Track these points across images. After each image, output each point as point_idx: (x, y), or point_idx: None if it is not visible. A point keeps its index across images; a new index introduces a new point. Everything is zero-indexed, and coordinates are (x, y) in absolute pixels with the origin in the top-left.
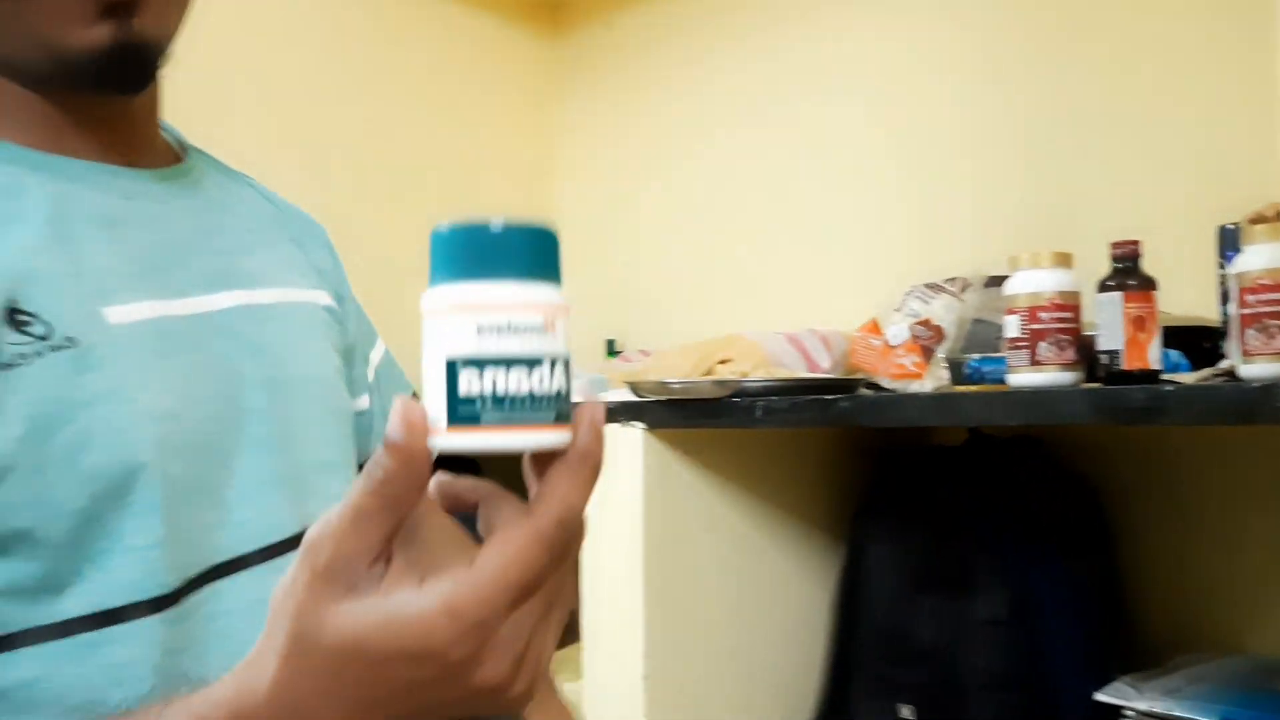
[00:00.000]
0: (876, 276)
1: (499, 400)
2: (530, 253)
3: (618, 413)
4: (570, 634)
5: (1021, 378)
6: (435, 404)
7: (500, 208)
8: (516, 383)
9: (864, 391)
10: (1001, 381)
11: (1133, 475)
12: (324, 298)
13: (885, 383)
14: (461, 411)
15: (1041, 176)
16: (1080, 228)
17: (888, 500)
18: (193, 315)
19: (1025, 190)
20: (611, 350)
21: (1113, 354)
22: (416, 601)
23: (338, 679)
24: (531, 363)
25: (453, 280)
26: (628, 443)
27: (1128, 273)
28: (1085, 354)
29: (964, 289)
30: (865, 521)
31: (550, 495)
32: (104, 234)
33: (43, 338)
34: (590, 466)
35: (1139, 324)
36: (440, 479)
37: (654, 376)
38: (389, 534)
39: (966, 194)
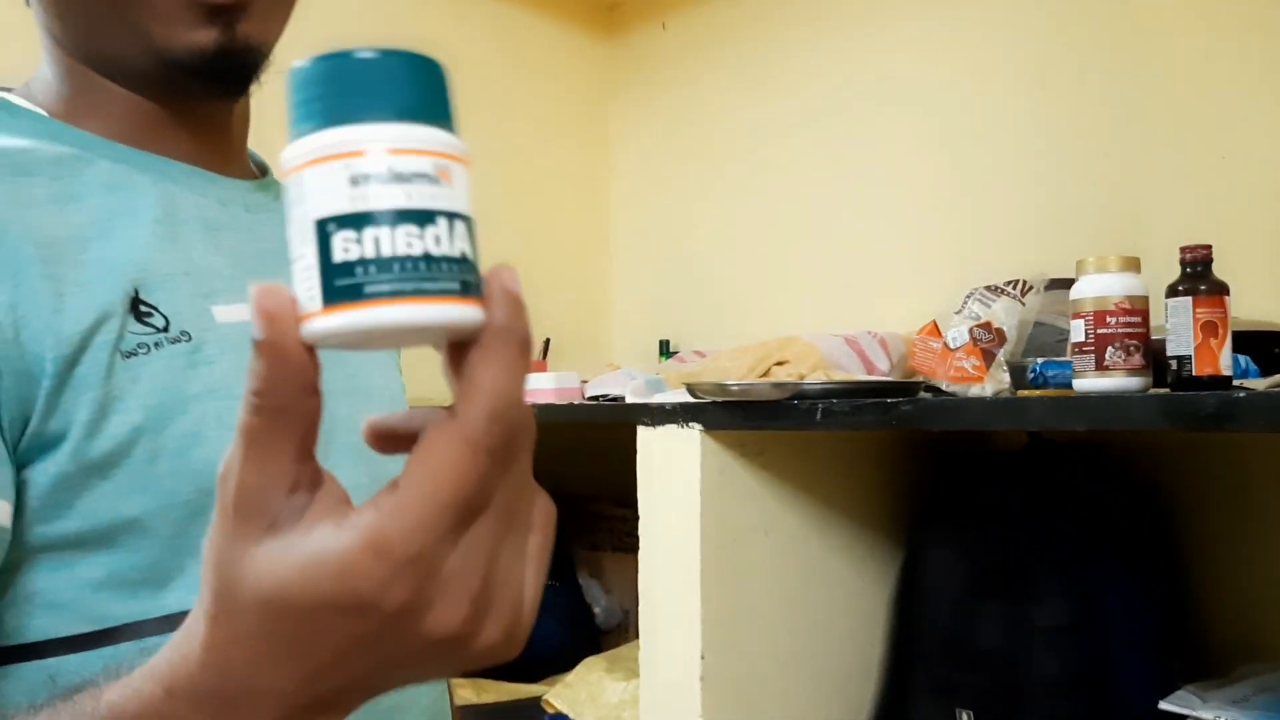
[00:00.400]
0: (935, 279)
1: (385, 265)
2: (411, 86)
3: (675, 414)
4: (626, 633)
5: (1087, 383)
6: (307, 282)
7: (555, 209)
8: (406, 242)
9: (924, 394)
10: (1066, 386)
11: (1197, 481)
12: None
13: (945, 386)
14: (339, 284)
15: (1108, 178)
16: (1148, 231)
17: (947, 504)
18: None
19: (1090, 192)
20: (665, 351)
21: (1182, 360)
22: (336, 538)
23: (269, 639)
24: (423, 217)
25: (317, 126)
26: (685, 444)
27: (1198, 277)
28: (1153, 359)
29: (1026, 292)
30: (925, 525)
31: (473, 388)
32: (206, 236)
33: (162, 330)
34: (515, 343)
35: (1210, 329)
36: (368, 419)
37: (711, 378)
38: (292, 453)
39: (1028, 196)
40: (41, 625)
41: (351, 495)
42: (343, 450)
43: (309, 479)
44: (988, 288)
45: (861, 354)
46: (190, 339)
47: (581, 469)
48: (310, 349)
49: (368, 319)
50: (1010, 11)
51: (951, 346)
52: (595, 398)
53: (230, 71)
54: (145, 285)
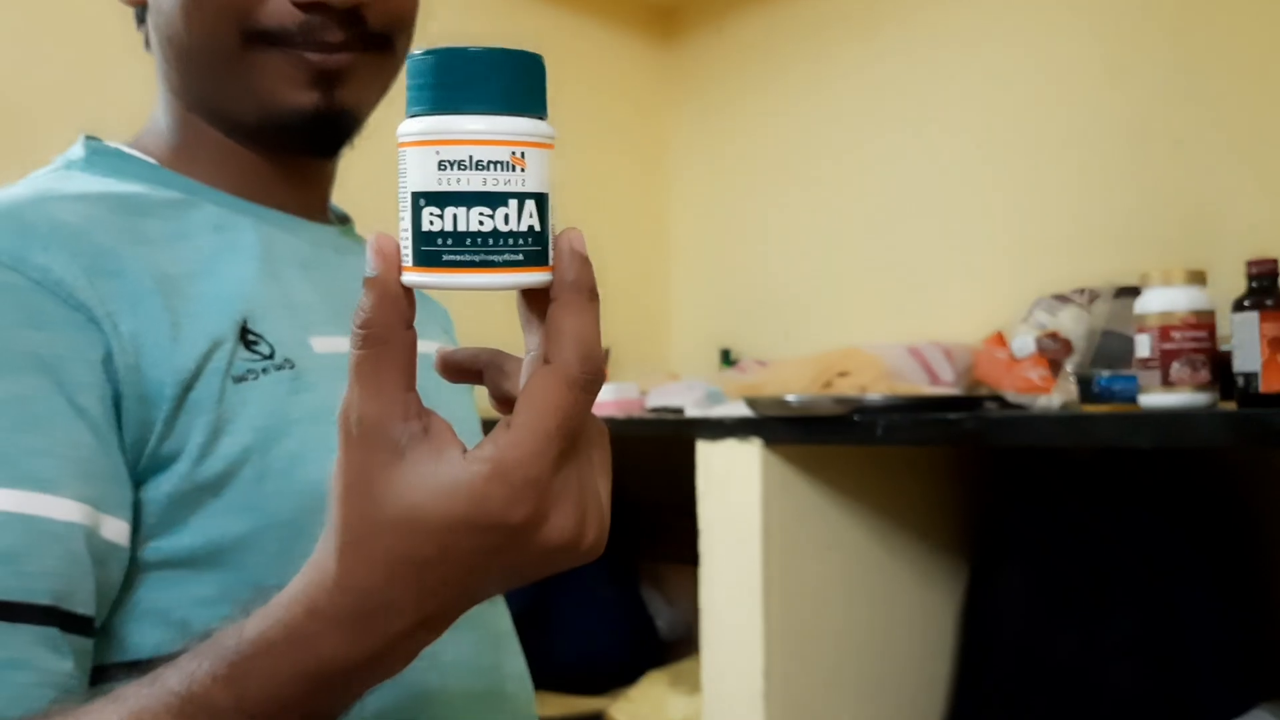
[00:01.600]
0: (999, 287)
1: (459, 238)
2: (503, 80)
3: (735, 428)
4: (690, 646)
5: (1153, 398)
6: (405, 241)
7: (613, 217)
8: (478, 221)
9: (989, 405)
10: (1133, 400)
11: (1276, 492)
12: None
13: (1011, 396)
14: (425, 250)
15: (1176, 184)
16: (1216, 239)
17: (1017, 516)
18: None
19: (1158, 199)
20: (727, 359)
21: (1249, 375)
22: (465, 468)
23: (402, 558)
24: (495, 199)
25: (423, 110)
26: (745, 459)
27: (1265, 292)
28: (1220, 374)
29: (1093, 300)
30: (993, 538)
31: (561, 336)
32: (302, 274)
33: (268, 357)
34: (586, 294)
35: (1277, 345)
36: (440, 350)
37: (771, 391)
38: (400, 380)
39: (1094, 202)
40: (154, 641)
41: None
42: None
43: (416, 407)
44: (1054, 296)
45: (926, 364)
46: (293, 366)
47: (643, 479)
48: (408, 290)
49: (442, 281)
50: (1073, 12)
51: (1017, 356)
52: (655, 409)
53: (326, 133)
54: (252, 316)
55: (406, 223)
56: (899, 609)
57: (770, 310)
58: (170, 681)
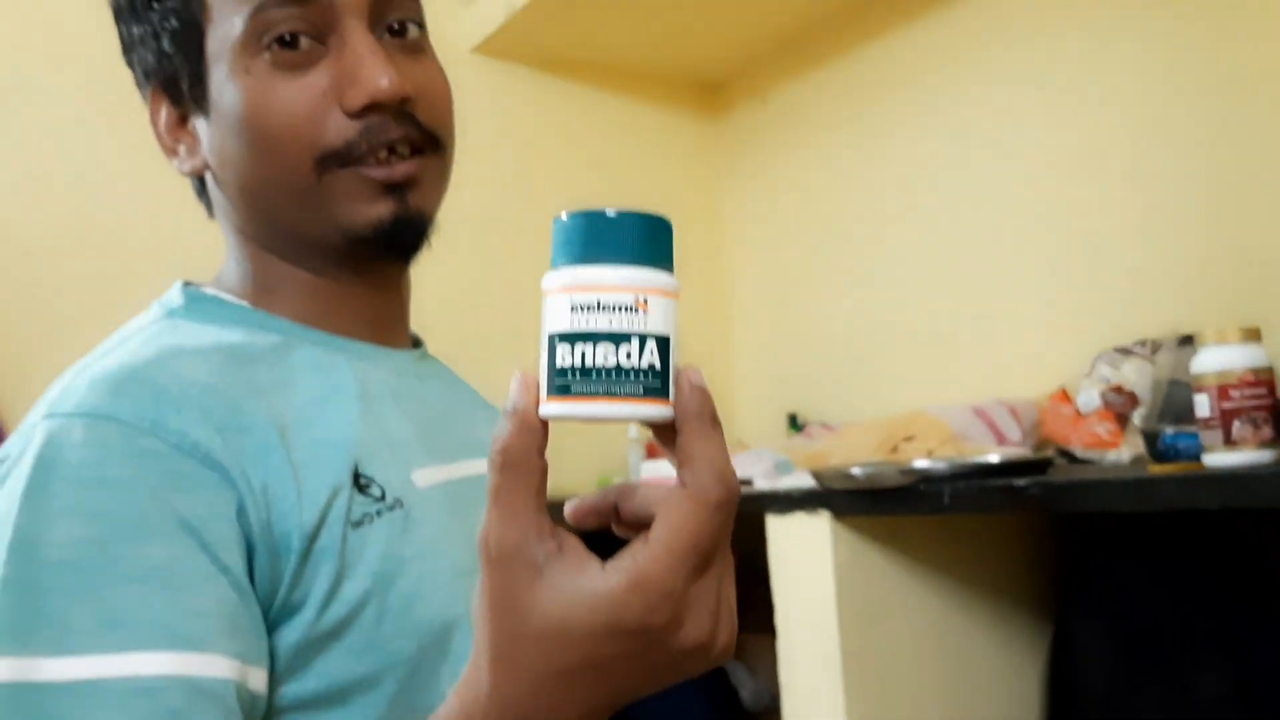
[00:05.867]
0: (1060, 342)
1: (586, 371)
2: (631, 237)
3: (803, 501)
4: (775, 716)
5: (1217, 458)
6: (543, 376)
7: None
8: (604, 356)
9: (1059, 463)
10: (1197, 458)
11: None
12: None
13: (1079, 452)
14: (556, 382)
15: (1230, 238)
16: (1273, 293)
17: (1096, 573)
18: (464, 479)
19: (1214, 250)
20: (794, 424)
21: None
22: (605, 581)
23: (549, 667)
24: (619, 338)
25: (562, 263)
26: (814, 531)
27: None
28: None
29: (1155, 350)
30: (1072, 597)
31: (693, 460)
32: (394, 406)
33: (380, 499)
34: (709, 420)
35: None
36: (567, 509)
37: (838, 459)
38: (534, 503)
39: (1152, 255)
40: None
41: None
42: None
43: (550, 528)
44: (1116, 349)
45: (991, 424)
46: (403, 505)
47: None
48: (544, 422)
49: (571, 410)
50: (1128, 63)
51: (1083, 412)
52: None
53: (404, 238)
54: (362, 460)
55: (544, 360)
56: (980, 673)
57: (834, 373)
58: None
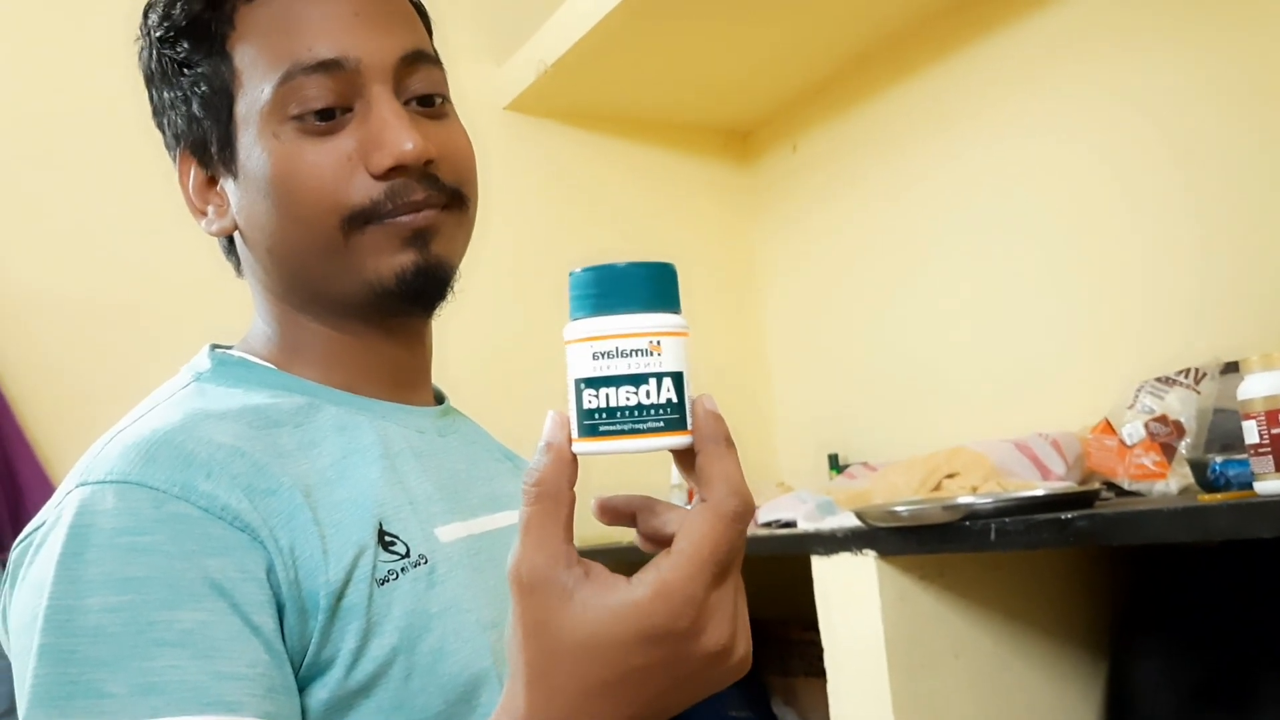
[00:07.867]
0: (1101, 373)
1: (612, 412)
2: (641, 287)
3: (848, 541)
4: None
5: (1268, 485)
6: (572, 417)
7: (710, 334)
8: (625, 397)
9: (1106, 496)
10: (1248, 485)
11: None
12: None
13: (1126, 484)
14: (585, 423)
15: (1266, 263)
16: None
17: (1152, 609)
18: (486, 533)
19: (1254, 277)
20: (835, 465)
21: None
22: (631, 591)
23: (584, 684)
24: (639, 379)
25: (581, 314)
26: (861, 572)
27: None
28: None
29: (1199, 379)
30: (1128, 632)
31: (710, 479)
32: (416, 464)
33: (404, 555)
34: (723, 442)
35: None
36: (598, 498)
37: (881, 498)
38: (564, 533)
39: (1191, 284)
40: None
41: None
42: None
43: (576, 557)
44: (1158, 379)
45: (1034, 458)
46: (427, 561)
47: (765, 593)
48: (574, 457)
49: (600, 448)
50: (1159, 97)
51: (1128, 443)
52: (768, 523)
53: (428, 286)
54: (386, 518)
55: (572, 404)
56: (1037, 712)
57: (874, 412)
58: None
